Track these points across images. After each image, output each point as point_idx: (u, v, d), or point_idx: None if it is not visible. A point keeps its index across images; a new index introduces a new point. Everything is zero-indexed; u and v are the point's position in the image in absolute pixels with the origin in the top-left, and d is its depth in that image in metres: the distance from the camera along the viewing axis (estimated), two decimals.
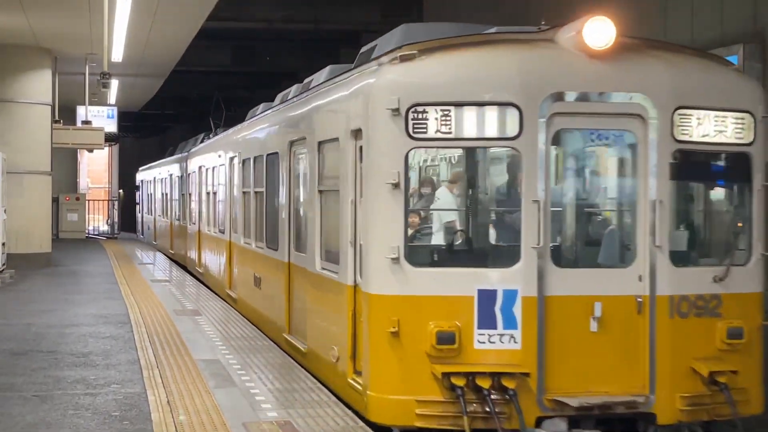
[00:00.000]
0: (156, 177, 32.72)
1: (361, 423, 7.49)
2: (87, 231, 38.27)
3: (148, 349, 10.69)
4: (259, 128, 13.56)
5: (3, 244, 19.27)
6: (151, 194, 35.11)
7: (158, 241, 31.75)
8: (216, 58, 28.95)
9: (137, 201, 41.93)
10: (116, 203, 46.45)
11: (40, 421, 7.48)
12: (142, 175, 39.20)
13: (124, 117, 34.70)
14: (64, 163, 34.36)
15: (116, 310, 14.37)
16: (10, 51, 21.52)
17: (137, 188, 41.65)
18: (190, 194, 22.91)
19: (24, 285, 18.37)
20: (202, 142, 23.25)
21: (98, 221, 46.78)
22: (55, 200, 29.02)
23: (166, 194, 28.99)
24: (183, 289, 18.02)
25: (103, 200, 48.72)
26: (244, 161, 14.24)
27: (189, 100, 38.22)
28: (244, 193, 14.23)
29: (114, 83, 25.75)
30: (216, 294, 16.74)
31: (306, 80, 12.03)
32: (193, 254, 21.74)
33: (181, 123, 46.71)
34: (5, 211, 19.49)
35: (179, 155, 26.66)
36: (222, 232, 16.59)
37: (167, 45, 21.59)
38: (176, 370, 9.44)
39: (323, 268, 9.17)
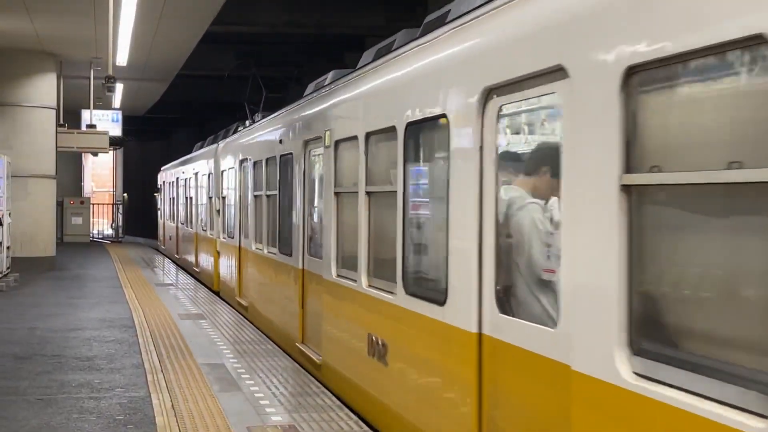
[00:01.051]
0: (179, 177, 27.61)
1: (366, 428, 7.48)
2: (91, 235, 38.34)
3: (153, 353, 10.69)
4: (377, 84, 7.96)
5: (8, 247, 19.29)
6: (173, 198, 29.64)
7: (180, 254, 26.71)
8: (220, 62, 28.92)
9: (158, 206, 36.70)
10: (120, 207, 46.51)
11: (45, 425, 7.47)
12: (164, 176, 33.50)
13: (128, 121, 34.68)
14: (69, 166, 34.43)
15: (120, 314, 14.39)
16: (15, 55, 21.58)
17: (158, 191, 36.52)
18: (223, 197, 18.15)
19: (28, 289, 18.38)
20: (235, 132, 18.69)
21: (102, 225, 46.89)
22: (60, 204, 29.08)
23: (191, 198, 24.32)
24: (187, 293, 18.01)
25: (107, 204, 48.79)
26: (337, 144, 9.04)
27: (193, 104, 38.22)
28: (338, 195, 9.06)
29: (118, 87, 25.77)
30: (269, 338, 12.04)
31: (430, 18, 7.48)
32: (229, 279, 16.93)
33: (185, 127, 46.74)
34: (10, 214, 19.51)
35: (207, 149, 21.91)
36: (286, 254, 11.44)
37: (172, 49, 21.62)
38: (180, 375, 9.44)
39: (643, 377, 3.82)
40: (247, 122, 17.84)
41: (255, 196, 14.19)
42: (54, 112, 22.71)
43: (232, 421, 7.57)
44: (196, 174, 22.98)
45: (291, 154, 11.35)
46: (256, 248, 14.05)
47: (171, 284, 19.86)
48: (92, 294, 17.55)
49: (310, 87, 11.82)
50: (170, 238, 30.07)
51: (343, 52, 24.88)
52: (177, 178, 28.10)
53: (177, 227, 27.94)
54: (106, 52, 16.92)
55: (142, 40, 19.93)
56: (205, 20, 18.62)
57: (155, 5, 16.74)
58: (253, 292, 14.51)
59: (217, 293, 17.95)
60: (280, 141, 12.09)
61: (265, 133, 13.76)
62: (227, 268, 17.36)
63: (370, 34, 23.46)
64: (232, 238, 16.52)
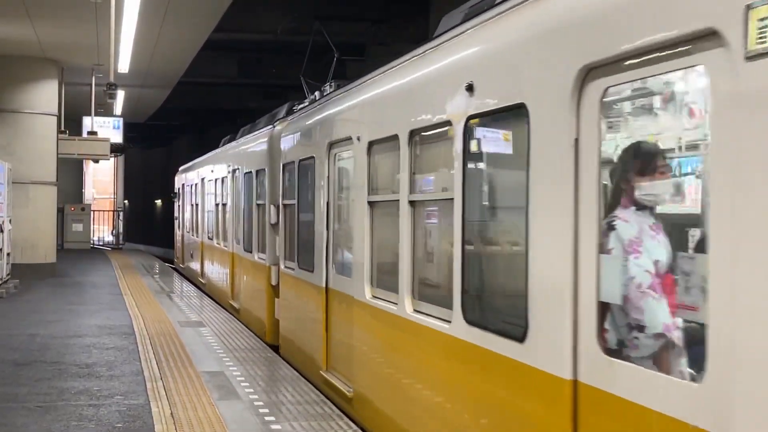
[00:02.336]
0: (205, 178, 21.72)
1: None
2: (92, 241, 38.35)
3: (152, 360, 10.67)
4: None
5: (8, 254, 19.28)
6: (195, 205, 23.68)
7: (207, 278, 20.76)
8: (222, 70, 29.01)
9: (175, 214, 30.04)
10: (121, 214, 46.55)
11: None
12: (184, 177, 27.23)
13: (129, 128, 34.78)
14: (70, 173, 34.47)
15: (120, 321, 14.37)
16: (17, 61, 21.62)
17: (175, 196, 29.96)
18: (285, 205, 12.13)
19: (28, 295, 18.36)
20: (289, 114, 13.36)
21: (103, 232, 46.92)
22: (61, 210, 29.10)
23: (224, 206, 18.39)
24: (187, 300, 17.99)
25: (108, 211, 48.83)
26: None
27: (195, 111, 38.30)
28: None
29: (120, 94, 25.83)
30: None
31: None
32: (299, 334, 10.90)
33: (186, 134, 46.84)
34: (10, 221, 19.51)
35: (253, 135, 15.69)
36: (499, 333, 5.20)
37: (173, 56, 21.65)
38: (180, 382, 9.42)
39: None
40: (315, 95, 12.28)
41: (372, 204, 7.98)
42: (55, 118, 22.73)
43: (232, 429, 7.55)
44: (233, 172, 17.04)
45: (508, 111, 5.20)
46: (376, 299, 7.72)
47: (171, 292, 19.79)
48: (92, 301, 17.53)
49: (452, 18, 6.94)
50: (192, 256, 24.00)
51: (345, 60, 24.96)
52: (202, 179, 22.19)
53: (202, 243, 21.85)
54: (108, 59, 16.95)
55: (144, 47, 19.97)
56: (207, 27, 18.66)
57: (157, 12, 16.78)
58: (371, 376, 7.89)
59: (274, 349, 11.94)
60: (470, 88, 5.63)
61: (399, 86, 7.31)
62: (296, 315, 11.16)
63: (371, 41, 23.52)
64: (310, 271, 10.10)
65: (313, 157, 10.15)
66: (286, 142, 11.94)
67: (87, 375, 9.87)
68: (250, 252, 14.85)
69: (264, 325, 13.48)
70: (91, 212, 37.80)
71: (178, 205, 28.64)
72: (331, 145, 9.42)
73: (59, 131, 23.27)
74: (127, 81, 24.12)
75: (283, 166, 12.09)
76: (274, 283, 13.01)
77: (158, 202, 52.57)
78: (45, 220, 22.35)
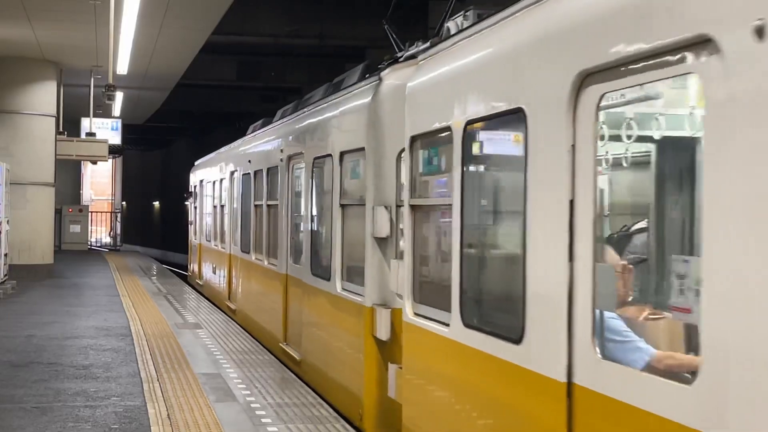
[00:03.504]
0: (237, 172, 16.40)
1: None
2: (89, 243, 38.36)
3: (149, 362, 10.66)
4: None
5: (5, 255, 19.27)
6: (221, 206, 18.36)
7: (240, 304, 15.58)
8: (221, 72, 29.04)
9: (190, 218, 24.52)
10: (119, 215, 46.56)
11: None
12: (204, 173, 21.53)
13: (128, 129, 34.78)
14: (68, 174, 34.47)
15: (117, 322, 14.36)
16: (16, 63, 21.64)
17: (189, 195, 24.33)
18: (416, 207, 6.58)
19: (26, 296, 18.35)
20: (368, 75, 8.81)
21: (101, 233, 46.95)
22: (58, 212, 29.09)
23: (269, 207, 13.21)
24: (184, 302, 17.98)
25: (106, 212, 48.85)
26: None
27: (193, 113, 38.32)
28: None
29: (119, 96, 25.82)
30: None
31: None
32: None
33: (185, 136, 46.85)
34: (8, 222, 19.50)
35: (336, 98, 9.75)
36: None
37: (172, 58, 21.67)
38: (177, 384, 9.41)
39: None
40: (446, 27, 6.86)
41: None
42: (54, 119, 22.74)
43: (228, 431, 7.55)
44: (289, 159, 11.68)
45: None
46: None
47: (168, 293, 19.73)
48: (90, 302, 17.52)
49: None
50: (214, 271, 19.26)
51: (344, 63, 25.00)
52: (232, 173, 17.06)
53: (231, 257, 16.91)
54: (107, 61, 16.95)
55: (143, 49, 19.98)
56: (206, 30, 18.68)
57: (156, 14, 16.79)
58: None
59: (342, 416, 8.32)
60: None
61: None
62: (457, 413, 5.59)
63: (370, 45, 23.54)
64: (512, 340, 4.74)
65: (518, 111, 4.79)
66: (420, 98, 6.67)
67: (84, 376, 9.86)
68: (327, 279, 9.39)
69: (360, 403, 8.15)
70: (89, 214, 37.81)
71: (195, 207, 23.17)
72: (586, 77, 4.13)
73: (57, 132, 23.28)
74: (126, 83, 24.13)
75: (413, 139, 6.69)
76: (382, 336, 7.87)
77: (156, 203, 52.59)
78: (42, 222, 22.34)
